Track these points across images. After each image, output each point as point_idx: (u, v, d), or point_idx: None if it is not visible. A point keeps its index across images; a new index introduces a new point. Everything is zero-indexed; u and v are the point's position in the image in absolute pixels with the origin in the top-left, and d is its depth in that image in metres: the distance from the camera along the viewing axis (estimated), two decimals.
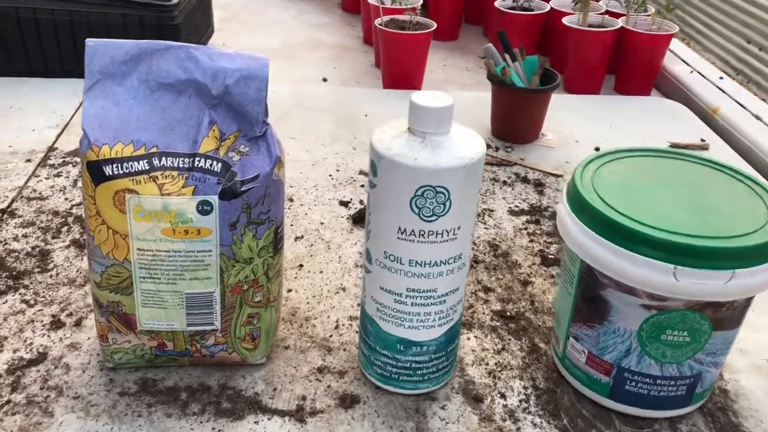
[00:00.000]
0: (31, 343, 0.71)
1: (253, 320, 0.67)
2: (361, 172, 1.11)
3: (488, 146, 1.23)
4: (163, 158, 0.60)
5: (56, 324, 0.74)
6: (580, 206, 0.62)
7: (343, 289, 0.83)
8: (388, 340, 0.64)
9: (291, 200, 1.02)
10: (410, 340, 0.64)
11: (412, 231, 0.58)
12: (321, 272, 0.86)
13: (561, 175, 1.13)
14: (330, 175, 1.10)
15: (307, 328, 0.76)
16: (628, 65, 1.53)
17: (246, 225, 0.62)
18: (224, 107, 0.62)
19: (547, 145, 1.23)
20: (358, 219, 0.97)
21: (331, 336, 0.75)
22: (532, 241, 0.94)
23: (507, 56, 1.24)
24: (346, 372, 0.70)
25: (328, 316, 0.79)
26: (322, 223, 0.97)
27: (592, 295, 0.63)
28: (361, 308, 0.67)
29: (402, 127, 0.60)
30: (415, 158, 0.56)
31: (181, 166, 0.60)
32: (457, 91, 1.55)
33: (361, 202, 1.02)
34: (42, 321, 0.74)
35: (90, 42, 0.60)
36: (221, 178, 0.60)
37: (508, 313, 0.80)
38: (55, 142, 1.13)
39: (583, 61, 1.52)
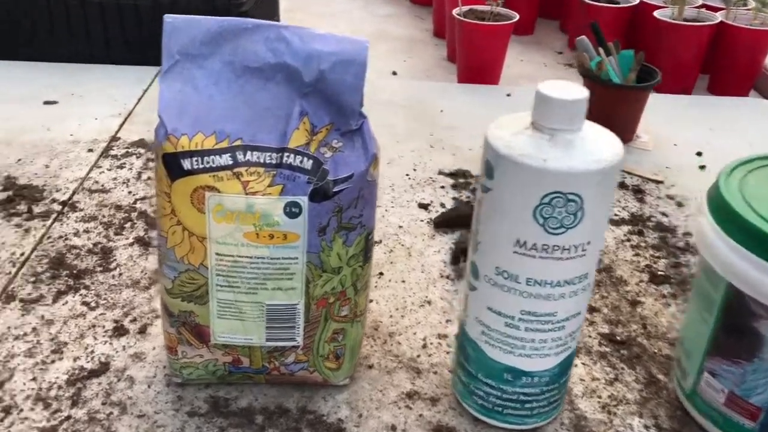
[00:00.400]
0: (92, 351, 0.65)
1: (338, 337, 0.60)
2: (441, 173, 1.03)
3: None
4: (249, 152, 0.53)
5: (119, 330, 0.68)
6: (730, 220, 0.53)
7: (429, 303, 0.76)
8: (493, 368, 0.56)
9: None
10: (520, 370, 0.55)
11: (534, 245, 0.50)
12: (403, 282, 0.79)
13: (661, 182, 1.03)
14: (407, 175, 1.02)
15: (392, 345, 0.69)
16: (726, 63, 1.42)
17: (336, 230, 0.55)
18: (317, 96, 0.54)
19: (643, 147, 1.13)
20: (440, 224, 0.89)
21: (419, 356, 0.68)
22: (636, 254, 0.85)
23: (601, 50, 1.14)
24: (439, 399, 0.62)
25: (414, 333, 0.71)
26: (400, 227, 0.89)
27: (739, 326, 0.54)
28: (461, 329, 0.60)
29: (523, 122, 0.52)
30: (544, 159, 0.48)
31: (267, 161, 0.53)
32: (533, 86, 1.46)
33: (442, 205, 0.95)
34: (104, 326, 0.68)
35: (168, 18, 0.54)
36: (312, 176, 0.53)
37: (617, 338, 0.71)
38: (117, 132, 1.08)
39: (677, 59, 1.41)
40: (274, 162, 0.53)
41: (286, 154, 0.53)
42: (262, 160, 0.53)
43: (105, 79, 1.25)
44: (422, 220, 0.91)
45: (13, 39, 1.35)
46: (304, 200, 0.53)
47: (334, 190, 0.54)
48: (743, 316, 0.53)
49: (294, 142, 0.54)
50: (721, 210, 0.54)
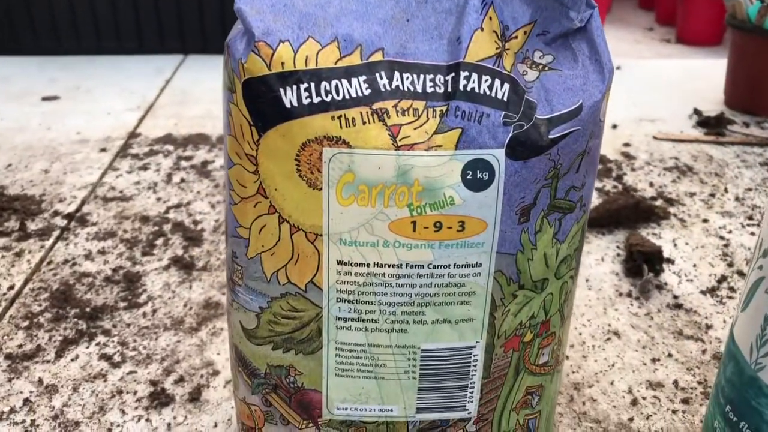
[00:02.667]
0: None
1: (533, 399, 0.37)
2: None
3: (729, 121, 0.90)
4: (397, 74, 0.30)
5: (159, 398, 0.45)
6: None
7: (617, 334, 0.52)
8: None
9: None
10: None
11: None
12: None
13: None
14: None
15: (585, 403, 0.45)
16: None
17: (546, 212, 0.32)
18: None
19: None
20: (594, 222, 0.66)
21: (631, 419, 0.44)
22: None
23: None
24: None
25: (612, 382, 0.47)
26: None
27: None
28: (737, 376, 0.36)
29: None
30: None
31: (430, 89, 0.30)
32: (644, 60, 1.23)
33: None
34: (135, 392, 0.45)
35: None
36: (511, 113, 0.30)
37: None
38: (137, 127, 0.86)
39: None
40: (442, 90, 0.30)
41: (462, 74, 0.30)
42: (420, 88, 0.30)
43: (117, 70, 1.04)
44: None
45: (6, 31, 1.14)
46: (498, 157, 0.30)
47: (549, 136, 0.31)
48: None
49: (475, 53, 0.31)
50: None
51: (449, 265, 0.32)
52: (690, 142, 0.86)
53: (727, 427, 0.38)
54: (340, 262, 0.32)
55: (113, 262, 0.59)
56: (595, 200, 0.71)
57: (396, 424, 0.36)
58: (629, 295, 0.57)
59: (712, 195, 0.74)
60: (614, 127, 0.89)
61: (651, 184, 0.75)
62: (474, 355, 0.34)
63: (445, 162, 0.30)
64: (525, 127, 0.31)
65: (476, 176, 0.30)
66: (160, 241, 0.62)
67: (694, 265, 0.61)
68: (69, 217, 0.66)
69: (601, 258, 0.62)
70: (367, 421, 0.35)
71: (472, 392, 0.35)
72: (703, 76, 1.03)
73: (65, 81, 1.00)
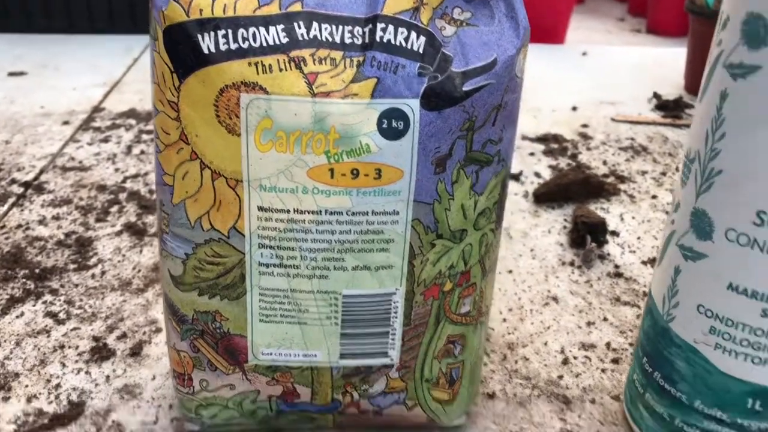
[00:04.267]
0: (57, 385, 0.43)
1: (455, 349, 0.38)
2: (525, 138, 0.81)
3: (687, 105, 0.92)
4: (315, 24, 0.31)
5: (100, 352, 0.46)
6: None
7: (555, 299, 0.53)
8: (730, 391, 0.34)
9: None
10: None
11: None
12: (510, 272, 0.57)
13: None
14: None
15: (517, 362, 0.47)
16: None
17: (463, 164, 0.33)
18: None
19: None
20: (544, 197, 0.67)
21: (561, 377, 0.45)
22: None
23: None
24: None
25: (545, 343, 0.49)
26: None
27: None
28: (654, 330, 0.37)
29: None
30: None
31: (348, 40, 0.32)
32: (609, 47, 1.24)
33: (537, 174, 0.73)
34: (77, 347, 0.46)
35: None
36: (426, 65, 0.31)
37: None
38: (102, 102, 0.86)
39: None
40: (359, 41, 0.32)
41: (379, 26, 0.32)
42: (338, 38, 0.31)
43: (86, 48, 1.04)
44: (517, 194, 0.69)
45: None
46: (413, 106, 0.31)
47: (463, 88, 0.32)
48: None
49: (392, 6, 0.32)
50: None
51: (367, 212, 0.33)
52: (647, 124, 0.87)
53: (643, 378, 0.39)
54: (260, 208, 0.33)
55: (66, 228, 0.60)
56: (546, 176, 0.72)
57: (320, 369, 0.37)
58: (572, 264, 0.58)
59: (663, 173, 0.75)
60: (574, 109, 0.90)
61: (604, 163, 0.77)
62: (394, 302, 0.35)
63: (361, 110, 0.31)
64: (439, 79, 0.32)
65: (391, 125, 0.32)
66: (114, 209, 0.63)
67: (638, 238, 0.62)
68: (26, 185, 0.67)
69: (548, 230, 0.63)
70: (292, 367, 0.37)
71: (393, 339, 0.36)
72: (667, 63, 1.05)
73: (33, 58, 1.00)
